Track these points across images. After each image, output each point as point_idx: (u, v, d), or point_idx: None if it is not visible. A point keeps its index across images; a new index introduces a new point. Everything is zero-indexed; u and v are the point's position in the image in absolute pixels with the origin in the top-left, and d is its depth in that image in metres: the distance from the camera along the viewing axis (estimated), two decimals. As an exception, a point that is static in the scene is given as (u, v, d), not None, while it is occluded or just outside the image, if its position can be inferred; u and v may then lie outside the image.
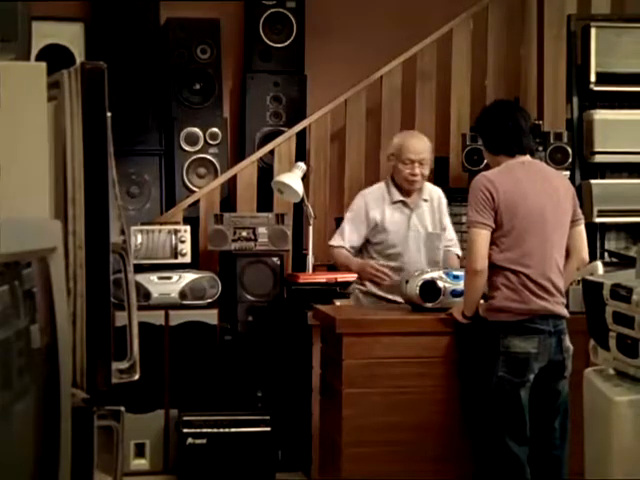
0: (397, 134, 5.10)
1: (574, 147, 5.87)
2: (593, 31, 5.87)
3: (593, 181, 5.84)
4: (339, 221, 6.33)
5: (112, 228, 2.69)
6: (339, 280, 5.37)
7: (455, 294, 4.37)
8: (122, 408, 2.71)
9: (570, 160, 5.82)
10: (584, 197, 5.83)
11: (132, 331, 2.86)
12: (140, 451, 5.31)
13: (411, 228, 4.78)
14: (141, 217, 5.98)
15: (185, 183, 6.25)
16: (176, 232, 5.53)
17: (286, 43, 6.46)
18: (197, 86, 6.36)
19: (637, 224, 5.86)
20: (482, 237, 4.04)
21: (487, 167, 5.62)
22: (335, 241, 4.86)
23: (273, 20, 6.44)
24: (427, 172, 4.78)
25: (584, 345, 4.00)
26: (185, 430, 5.14)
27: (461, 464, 4.29)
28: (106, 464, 2.71)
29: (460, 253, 4.94)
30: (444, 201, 4.92)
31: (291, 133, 6.08)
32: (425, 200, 4.83)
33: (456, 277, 4.39)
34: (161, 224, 5.68)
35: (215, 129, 6.29)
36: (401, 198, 4.77)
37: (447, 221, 4.92)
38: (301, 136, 6.13)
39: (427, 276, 4.41)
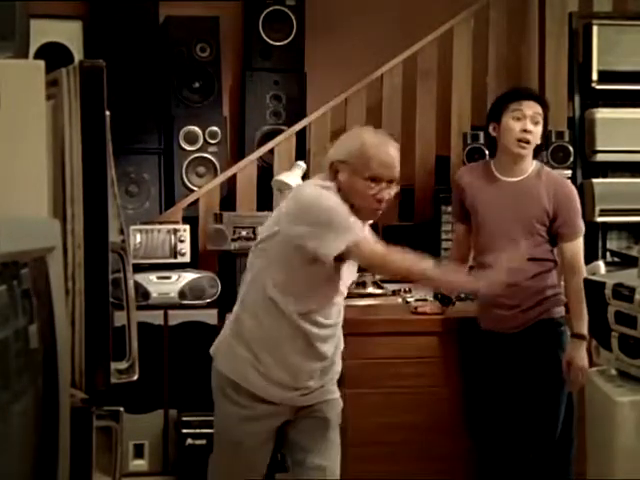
0: (352, 131, 3.59)
1: (576, 146, 5.85)
2: (595, 29, 5.85)
3: (595, 180, 5.82)
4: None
5: (111, 227, 2.68)
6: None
7: None
8: (121, 408, 2.71)
9: (572, 159, 5.80)
10: (586, 196, 5.81)
11: (131, 331, 2.85)
12: (139, 452, 5.29)
13: None
14: (140, 216, 5.95)
15: (184, 182, 6.23)
16: (175, 231, 5.50)
17: (286, 41, 6.43)
18: (196, 84, 6.34)
19: (639, 223, 5.84)
20: None
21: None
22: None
23: (273, 18, 6.42)
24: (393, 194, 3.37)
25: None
26: (184, 431, 5.12)
27: (461, 464, 4.29)
28: (105, 465, 2.71)
29: None
30: None
31: (291, 132, 6.06)
32: None
33: None
34: (160, 223, 5.65)
35: (215, 128, 6.26)
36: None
37: None
38: (301, 135, 6.10)
39: None
